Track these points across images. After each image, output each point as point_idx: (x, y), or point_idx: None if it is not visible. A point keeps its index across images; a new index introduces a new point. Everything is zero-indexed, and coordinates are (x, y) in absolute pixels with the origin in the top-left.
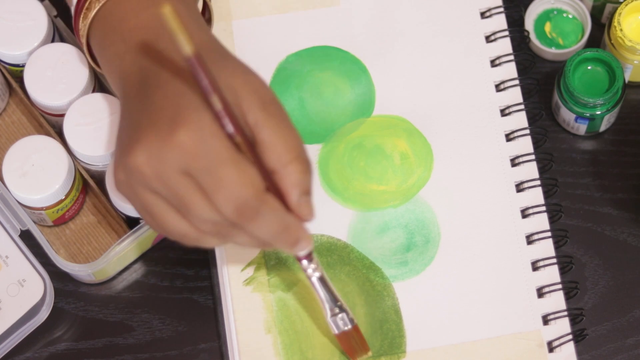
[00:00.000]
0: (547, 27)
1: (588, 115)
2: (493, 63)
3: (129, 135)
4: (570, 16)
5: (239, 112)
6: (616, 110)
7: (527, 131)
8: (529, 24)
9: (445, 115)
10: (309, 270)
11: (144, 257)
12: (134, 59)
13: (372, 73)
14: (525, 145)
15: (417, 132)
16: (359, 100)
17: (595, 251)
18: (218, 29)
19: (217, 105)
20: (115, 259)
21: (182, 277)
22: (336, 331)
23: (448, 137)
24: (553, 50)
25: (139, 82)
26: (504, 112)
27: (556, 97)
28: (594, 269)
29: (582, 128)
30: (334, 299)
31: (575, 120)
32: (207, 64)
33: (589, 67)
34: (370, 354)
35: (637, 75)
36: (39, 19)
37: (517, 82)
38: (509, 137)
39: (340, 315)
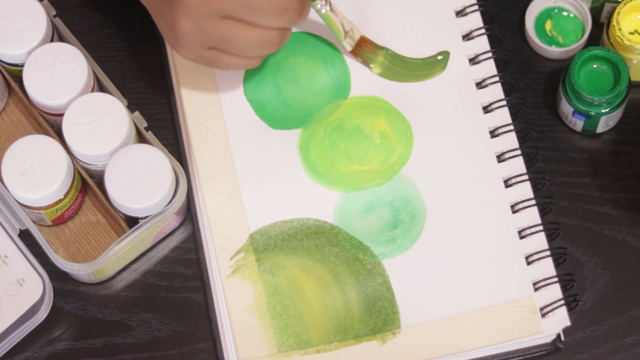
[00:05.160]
0: (548, 25)
1: (586, 111)
2: (466, 37)
3: None
4: (571, 15)
5: None
6: (616, 113)
7: (504, 102)
8: (530, 21)
9: (422, 91)
10: (318, 6)
11: (143, 257)
12: None
13: (346, 55)
14: (503, 116)
15: (395, 111)
16: (334, 83)
17: (594, 250)
18: None
19: None
20: (114, 259)
21: (181, 277)
22: (349, 48)
23: (426, 113)
24: (553, 48)
25: None
26: (480, 85)
27: (560, 90)
28: (592, 269)
29: (578, 124)
30: (343, 25)
31: (573, 114)
32: None
33: (595, 66)
34: (384, 57)
35: (636, 75)
36: (38, 19)
37: (490, 54)
38: (486, 110)
39: (349, 33)
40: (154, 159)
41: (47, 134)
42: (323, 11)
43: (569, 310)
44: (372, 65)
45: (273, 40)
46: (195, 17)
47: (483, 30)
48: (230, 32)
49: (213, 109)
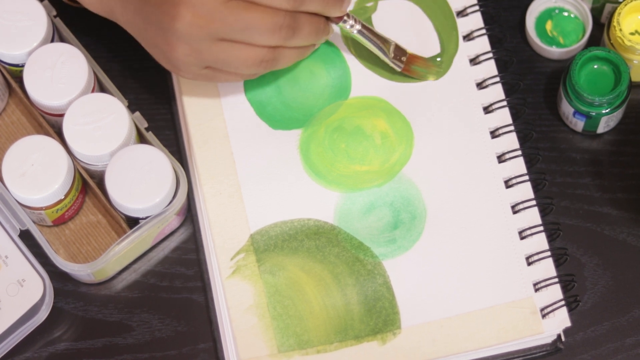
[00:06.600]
0: (548, 26)
1: (587, 111)
2: (466, 37)
3: (160, 17)
4: (571, 15)
5: None
6: (616, 114)
7: (505, 103)
8: (530, 22)
9: (422, 91)
10: (348, 27)
11: (143, 257)
12: None
13: (346, 55)
14: (504, 117)
15: (395, 111)
16: (335, 84)
17: (595, 251)
18: None
19: None
20: (115, 259)
21: (182, 277)
22: (399, 69)
23: (427, 114)
24: (553, 48)
25: None
26: (480, 85)
27: (560, 90)
28: (593, 269)
29: (579, 124)
30: (383, 41)
31: (573, 115)
32: None
33: (595, 66)
34: (437, 66)
35: (637, 75)
36: (39, 19)
37: (491, 55)
38: (487, 110)
39: (391, 48)
40: (155, 159)
41: (47, 134)
42: (354, 32)
43: (570, 310)
44: (429, 77)
45: (269, 59)
46: (190, 42)
47: (484, 31)
48: (225, 53)
49: (214, 109)
